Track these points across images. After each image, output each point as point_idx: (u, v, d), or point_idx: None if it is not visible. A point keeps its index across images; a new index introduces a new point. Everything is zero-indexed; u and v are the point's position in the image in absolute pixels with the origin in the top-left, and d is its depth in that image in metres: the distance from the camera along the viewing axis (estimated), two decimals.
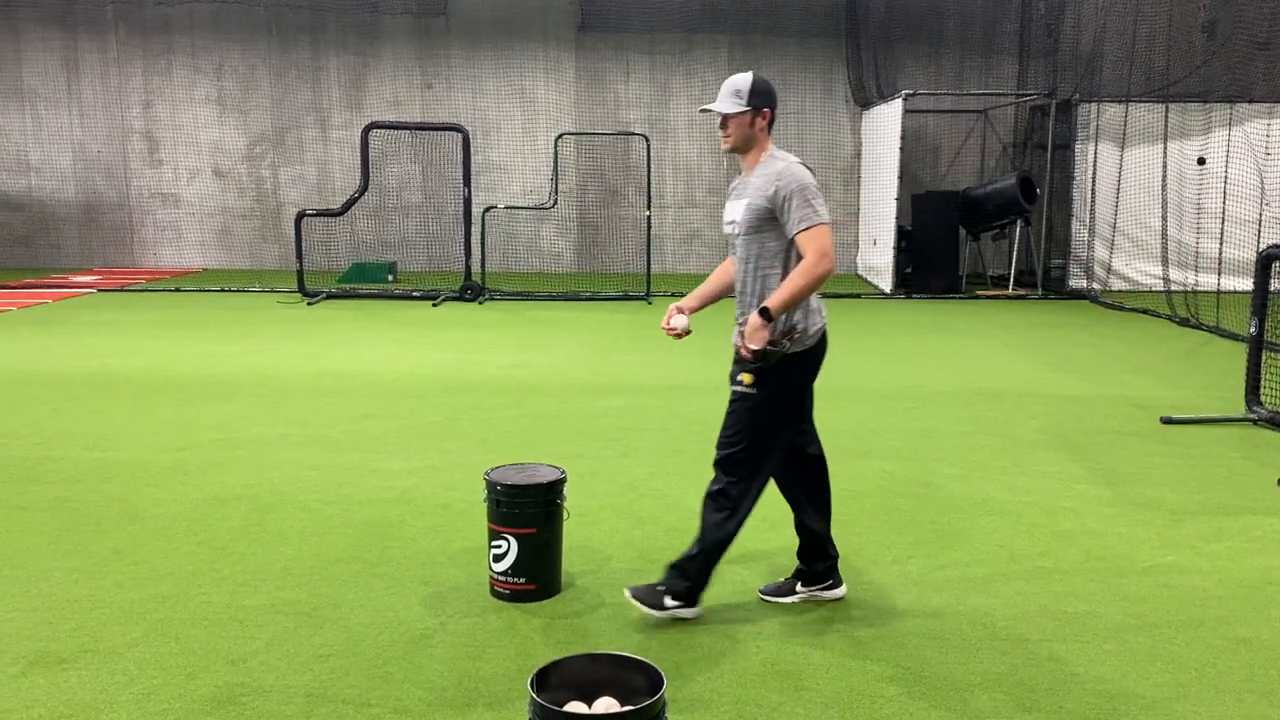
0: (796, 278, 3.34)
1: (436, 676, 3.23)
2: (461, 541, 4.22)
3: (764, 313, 3.34)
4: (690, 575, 3.58)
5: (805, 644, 3.47)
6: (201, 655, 3.36)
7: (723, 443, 3.54)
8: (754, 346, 3.37)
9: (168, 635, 3.51)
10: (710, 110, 3.53)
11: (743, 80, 3.49)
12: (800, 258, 3.38)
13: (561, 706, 2.46)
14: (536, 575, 3.80)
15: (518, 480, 3.79)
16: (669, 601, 3.60)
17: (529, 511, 3.75)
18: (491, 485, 3.77)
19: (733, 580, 4.01)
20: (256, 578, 4.00)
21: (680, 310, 3.65)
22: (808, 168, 3.48)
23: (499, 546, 3.77)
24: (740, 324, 3.55)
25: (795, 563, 3.87)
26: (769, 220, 3.44)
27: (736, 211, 3.52)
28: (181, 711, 3.02)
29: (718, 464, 3.56)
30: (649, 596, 3.59)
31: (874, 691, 3.16)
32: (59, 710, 3.02)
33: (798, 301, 3.37)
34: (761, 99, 3.48)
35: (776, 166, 3.44)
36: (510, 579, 3.78)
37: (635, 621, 3.63)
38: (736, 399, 3.51)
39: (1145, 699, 3.13)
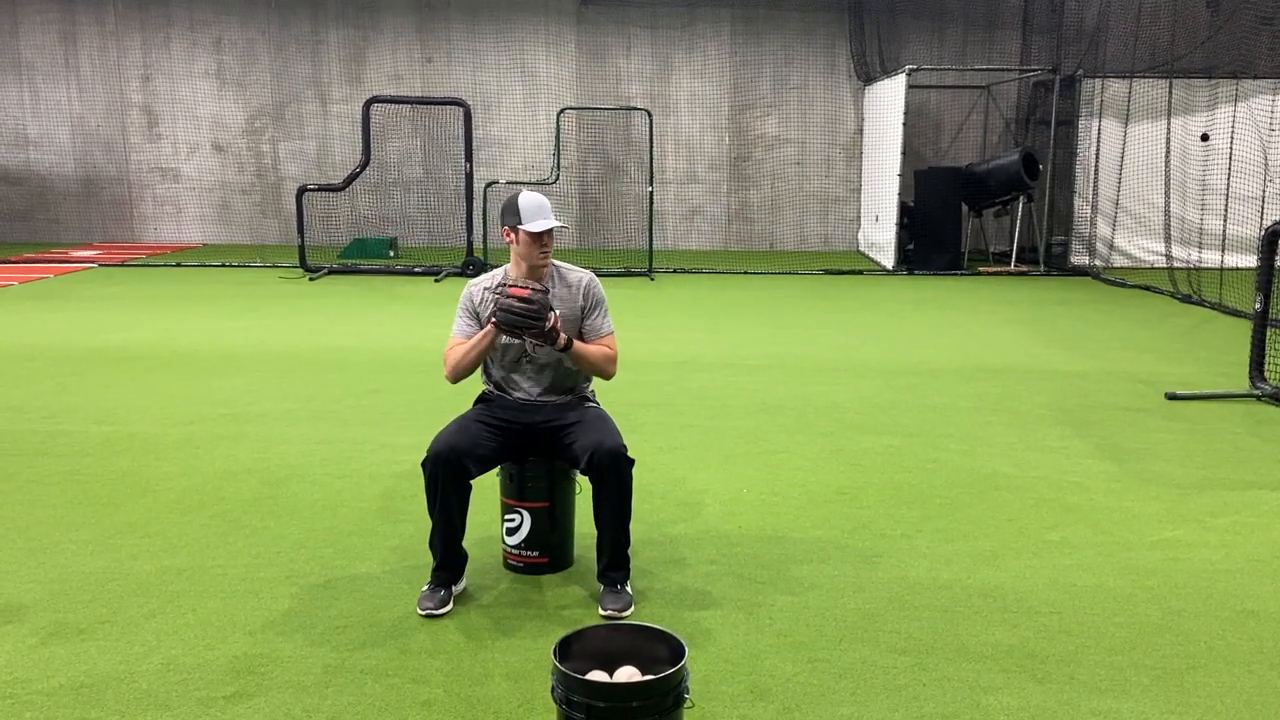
0: (600, 359, 3.70)
1: (453, 647, 3.26)
2: (474, 515, 4.21)
3: (570, 345, 3.61)
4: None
5: (818, 616, 3.50)
6: (219, 626, 3.39)
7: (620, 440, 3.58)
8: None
9: (184, 607, 3.53)
10: (554, 226, 3.65)
11: (547, 201, 3.69)
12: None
13: (583, 676, 2.49)
14: (549, 548, 3.82)
15: None
16: (629, 589, 3.63)
17: (542, 485, 3.77)
18: None
19: (743, 555, 4.04)
20: (271, 550, 4.03)
21: None
22: None
23: (512, 520, 3.80)
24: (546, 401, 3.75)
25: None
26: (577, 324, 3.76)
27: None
28: (201, 681, 3.04)
29: (625, 456, 3.55)
30: (624, 600, 3.57)
31: (887, 663, 3.19)
32: (79, 680, 3.05)
33: (586, 365, 3.70)
34: None
35: (573, 277, 3.77)
36: (523, 552, 3.81)
37: (648, 594, 3.66)
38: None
39: (1155, 670, 3.16)
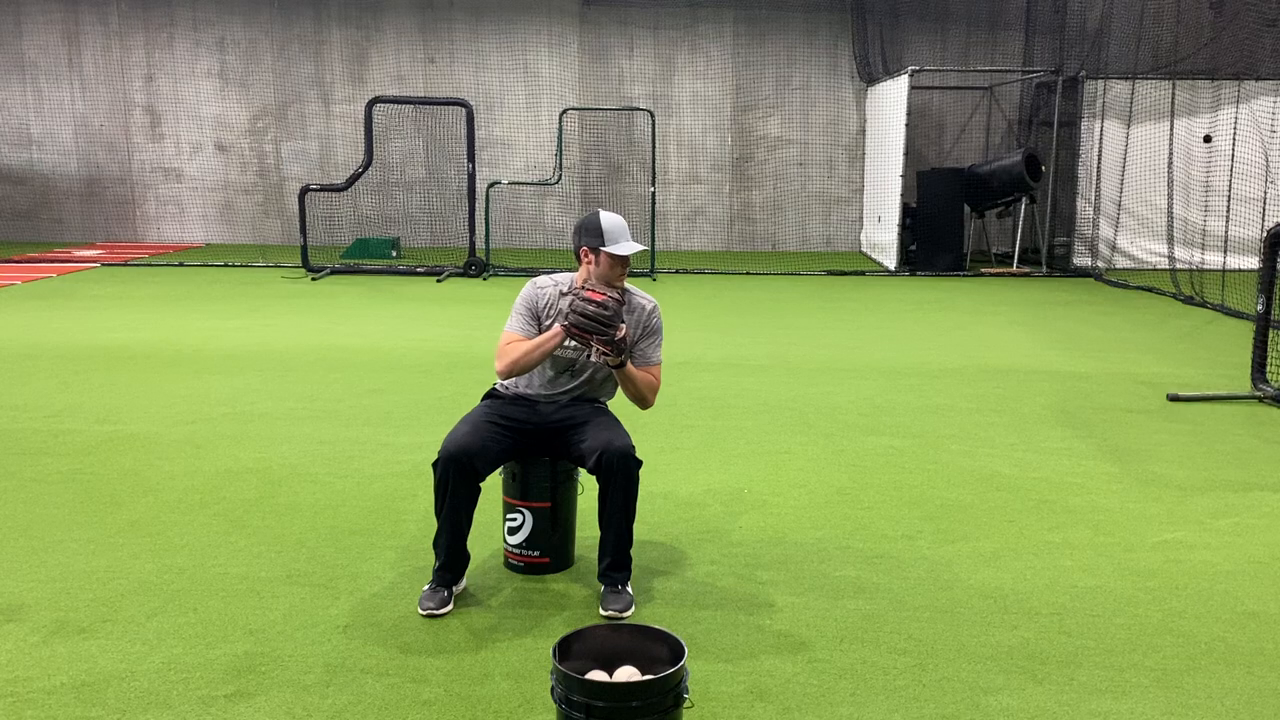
0: (645, 386, 3.67)
1: (454, 647, 3.26)
2: (475, 514, 4.24)
3: (624, 363, 3.58)
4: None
5: (818, 617, 3.50)
6: (220, 625, 3.39)
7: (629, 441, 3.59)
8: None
9: (185, 606, 3.54)
10: (634, 250, 3.64)
11: (625, 222, 3.71)
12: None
13: (583, 675, 2.49)
14: (551, 548, 3.82)
15: None
16: (630, 589, 3.62)
17: (544, 485, 3.77)
18: None
19: (744, 555, 4.04)
20: (272, 550, 4.03)
21: None
22: None
23: (514, 520, 3.80)
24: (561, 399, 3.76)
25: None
26: None
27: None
28: (202, 680, 3.05)
29: (634, 457, 3.55)
30: (626, 600, 3.56)
31: (887, 663, 3.19)
32: (81, 678, 3.05)
33: (630, 388, 3.65)
34: None
35: (637, 302, 3.74)
36: (525, 551, 3.81)
37: (649, 594, 3.66)
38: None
39: (1155, 671, 3.16)
